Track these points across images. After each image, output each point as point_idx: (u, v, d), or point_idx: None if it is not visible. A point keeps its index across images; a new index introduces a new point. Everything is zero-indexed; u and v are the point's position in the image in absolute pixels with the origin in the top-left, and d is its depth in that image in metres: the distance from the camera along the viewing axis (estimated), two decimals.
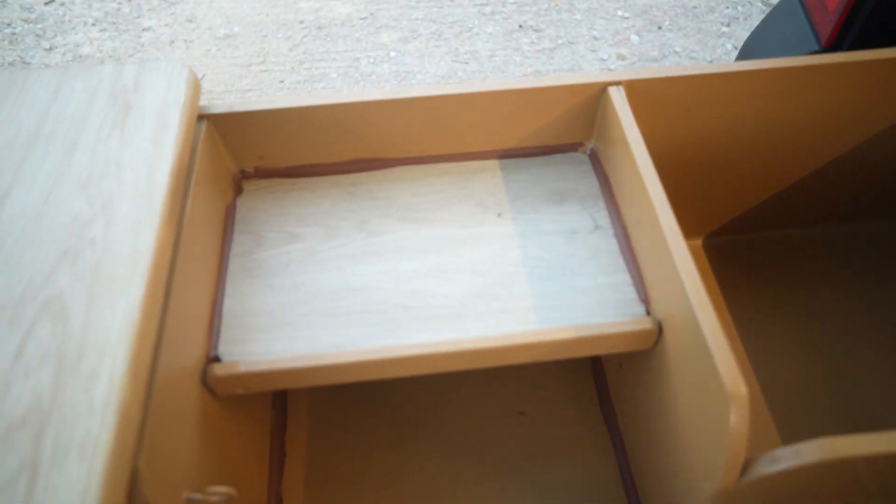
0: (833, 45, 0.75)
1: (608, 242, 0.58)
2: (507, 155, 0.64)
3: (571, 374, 0.71)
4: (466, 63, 1.84)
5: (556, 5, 1.87)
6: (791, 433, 0.66)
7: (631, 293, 0.54)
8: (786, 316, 0.74)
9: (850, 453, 0.40)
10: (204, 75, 1.80)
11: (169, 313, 0.45)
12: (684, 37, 1.89)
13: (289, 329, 0.53)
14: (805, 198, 0.75)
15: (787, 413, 0.67)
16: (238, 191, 0.62)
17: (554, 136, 0.63)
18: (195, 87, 0.54)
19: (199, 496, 0.44)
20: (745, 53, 0.90)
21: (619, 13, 1.94)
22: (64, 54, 1.85)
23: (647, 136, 0.64)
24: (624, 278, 0.55)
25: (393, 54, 1.86)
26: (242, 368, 0.49)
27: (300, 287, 0.56)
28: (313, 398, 0.71)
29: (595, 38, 1.89)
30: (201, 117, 0.56)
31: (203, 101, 1.95)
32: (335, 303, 0.54)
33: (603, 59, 1.85)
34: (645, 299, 0.53)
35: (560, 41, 1.88)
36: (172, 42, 1.88)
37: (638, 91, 0.59)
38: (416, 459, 0.67)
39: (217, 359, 0.51)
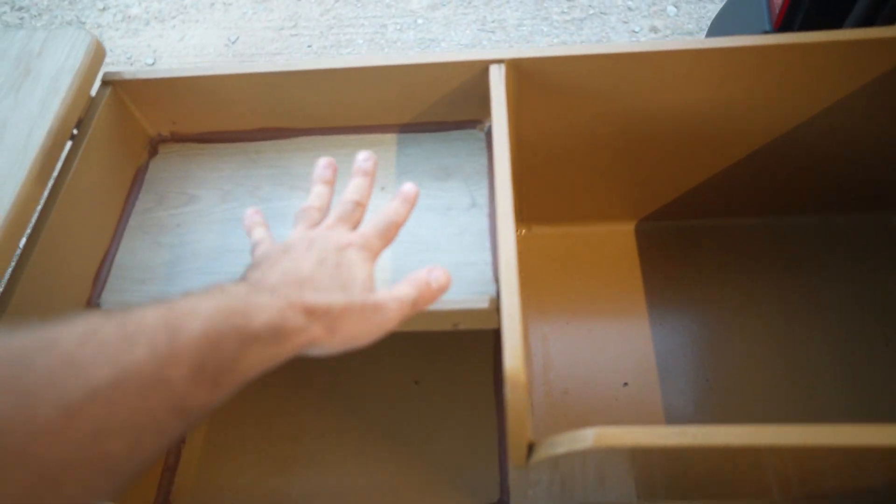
0: (782, 26, 0.70)
1: (480, 221, 0.58)
2: (406, 130, 0.65)
3: (472, 343, 0.73)
4: (492, 32, 1.82)
5: None
6: (672, 411, 0.65)
7: (487, 273, 0.55)
8: (694, 304, 0.72)
9: (619, 443, 0.41)
10: (238, 38, 1.87)
11: (32, 259, 0.50)
12: None
13: (165, 284, 0.57)
14: (737, 187, 0.72)
15: (675, 406, 0.66)
16: (153, 153, 0.67)
17: (451, 112, 0.64)
18: (95, 55, 0.58)
19: None
20: (711, 30, 0.85)
21: None
22: (115, 14, 1.97)
23: (546, 117, 0.64)
24: (484, 257, 0.56)
25: (420, 21, 1.86)
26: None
27: (185, 245, 0.60)
28: None
29: (629, 8, 1.81)
30: (107, 83, 0.61)
31: (234, 63, 2.02)
32: (212, 263, 0.58)
33: (634, 32, 1.78)
34: (498, 278, 0.54)
35: (591, 11, 1.82)
36: (213, 4, 1.96)
37: (526, 70, 0.59)
38: (311, 422, 0.70)
39: (98, 306, 0.56)
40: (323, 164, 0.50)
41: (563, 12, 1.83)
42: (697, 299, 0.74)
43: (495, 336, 0.74)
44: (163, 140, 0.67)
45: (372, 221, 0.46)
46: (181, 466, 0.69)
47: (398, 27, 1.85)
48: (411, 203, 0.48)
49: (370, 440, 0.69)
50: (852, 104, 0.62)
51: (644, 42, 0.58)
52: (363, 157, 0.49)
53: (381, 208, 0.47)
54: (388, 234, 0.46)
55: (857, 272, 0.73)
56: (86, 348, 0.26)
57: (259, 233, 0.48)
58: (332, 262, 0.41)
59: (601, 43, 1.72)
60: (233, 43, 1.85)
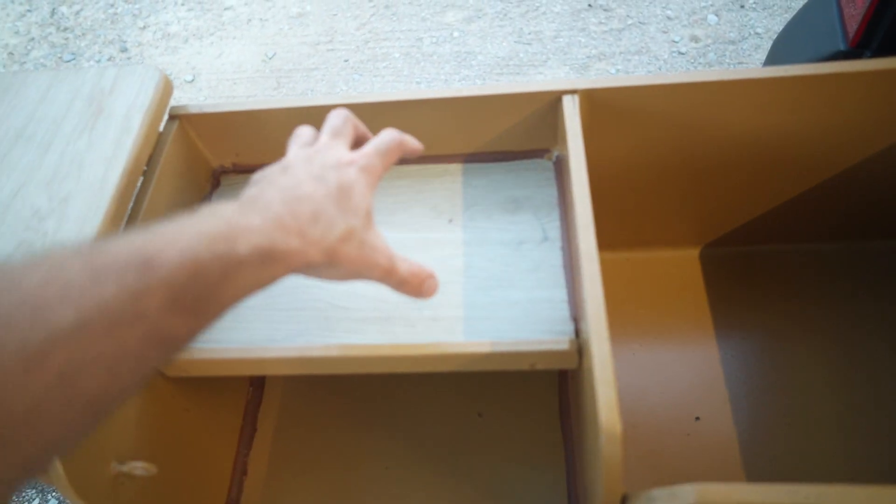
0: (859, 44, 0.68)
1: (553, 255, 0.57)
2: (471, 159, 0.64)
3: (537, 380, 0.71)
4: (529, 44, 1.81)
5: None
6: (752, 461, 0.63)
7: (564, 310, 0.53)
8: (765, 332, 0.70)
9: (724, 501, 0.39)
10: (275, 53, 1.88)
11: None
12: (769, 17, 1.75)
13: (232, 320, 0.56)
14: (809, 212, 0.69)
15: (752, 441, 0.64)
16: (215, 185, 0.66)
17: (518, 141, 0.63)
18: (164, 90, 0.58)
19: (123, 467, 0.49)
20: (776, 45, 0.82)
21: None
22: (155, 33, 2.00)
23: (615, 145, 0.62)
24: (560, 294, 0.54)
25: (456, 34, 1.86)
26: (181, 355, 0.54)
27: None
28: (288, 379, 0.75)
29: (669, 17, 1.79)
30: (174, 117, 0.61)
31: (271, 80, 2.04)
32: (277, 298, 0.58)
33: (674, 42, 1.75)
34: (576, 318, 0.53)
35: (630, 21, 1.80)
36: (249, 21, 1.98)
37: (598, 100, 0.57)
38: (375, 448, 0.70)
39: None
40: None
41: (600, 23, 1.81)
42: (767, 327, 0.71)
43: (560, 370, 0.72)
44: (225, 171, 0.67)
45: (374, 140, 0.43)
46: (243, 500, 0.69)
47: (434, 40, 1.85)
48: (417, 143, 0.47)
49: (432, 472, 0.68)
50: None
51: (718, 70, 0.56)
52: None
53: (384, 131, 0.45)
54: (391, 154, 0.43)
55: None
56: (49, 289, 0.25)
57: (304, 129, 0.45)
58: (333, 181, 0.38)
59: (642, 52, 1.70)
60: (270, 59, 1.86)
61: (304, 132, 0.44)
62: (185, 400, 0.61)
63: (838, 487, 0.38)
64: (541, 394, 0.70)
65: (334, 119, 0.44)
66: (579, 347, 0.50)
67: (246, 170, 0.67)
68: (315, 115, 0.61)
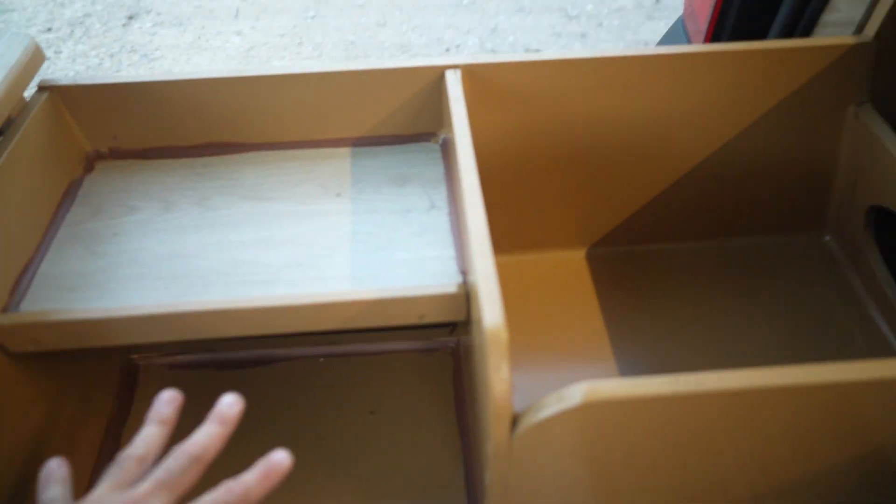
0: None
1: (440, 221, 0.57)
2: (360, 143, 0.65)
3: (429, 366, 0.69)
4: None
5: None
6: None
7: (452, 266, 0.53)
8: (662, 332, 0.72)
9: (612, 396, 0.38)
10: None
11: None
12: None
13: (99, 290, 0.52)
14: (683, 211, 0.74)
15: None
16: (89, 169, 0.63)
17: (406, 124, 0.64)
18: (33, 56, 0.56)
19: None
20: None
21: None
22: None
23: (498, 124, 0.65)
24: (448, 252, 0.54)
25: None
26: (28, 318, 0.48)
27: (123, 253, 0.55)
28: (161, 382, 0.68)
29: None
30: (44, 88, 0.58)
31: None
32: (154, 268, 0.54)
33: None
34: (464, 271, 0.52)
35: None
36: None
37: (479, 77, 0.61)
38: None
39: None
40: (165, 398, 0.39)
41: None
42: (653, 324, 0.73)
43: (454, 357, 0.71)
44: (101, 157, 0.64)
45: (162, 468, 0.36)
46: None
47: None
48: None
49: (326, 475, 0.62)
50: (776, 115, 0.67)
51: (586, 49, 0.61)
52: (228, 402, 0.39)
53: (188, 440, 0.37)
54: (186, 478, 0.36)
55: (795, 290, 0.75)
56: None
57: (53, 492, 0.36)
58: None
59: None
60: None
61: (127, 464, 0.36)
62: (40, 392, 0.53)
63: (717, 373, 0.38)
64: (434, 386, 0.67)
65: (173, 463, 0.36)
66: (467, 292, 0.50)
67: (126, 155, 0.64)
68: (205, 88, 0.60)
